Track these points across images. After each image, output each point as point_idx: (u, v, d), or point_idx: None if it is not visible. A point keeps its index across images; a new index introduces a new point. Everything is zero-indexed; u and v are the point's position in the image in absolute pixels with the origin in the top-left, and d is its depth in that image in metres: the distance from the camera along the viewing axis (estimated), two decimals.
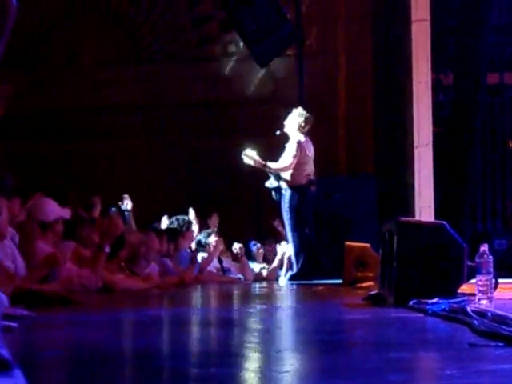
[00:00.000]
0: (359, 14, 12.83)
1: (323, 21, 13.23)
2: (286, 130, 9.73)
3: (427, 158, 9.77)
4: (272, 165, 9.66)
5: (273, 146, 9.99)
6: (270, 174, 9.72)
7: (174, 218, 10.24)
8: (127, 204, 9.92)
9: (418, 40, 9.87)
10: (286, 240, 10.04)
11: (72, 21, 13.71)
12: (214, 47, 13.55)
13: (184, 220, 10.20)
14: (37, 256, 6.43)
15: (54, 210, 7.15)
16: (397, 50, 11.19)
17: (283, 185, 9.62)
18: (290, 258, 10.07)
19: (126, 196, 9.95)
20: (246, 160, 9.65)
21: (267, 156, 9.77)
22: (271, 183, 9.73)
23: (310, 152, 9.75)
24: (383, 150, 12.03)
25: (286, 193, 9.59)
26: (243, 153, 9.65)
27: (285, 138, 9.77)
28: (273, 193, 9.77)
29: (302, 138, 9.67)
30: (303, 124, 9.70)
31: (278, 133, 9.73)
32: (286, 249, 10.32)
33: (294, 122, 9.72)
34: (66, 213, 7.50)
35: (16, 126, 12.09)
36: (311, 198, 9.75)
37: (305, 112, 9.81)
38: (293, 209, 9.53)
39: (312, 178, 9.73)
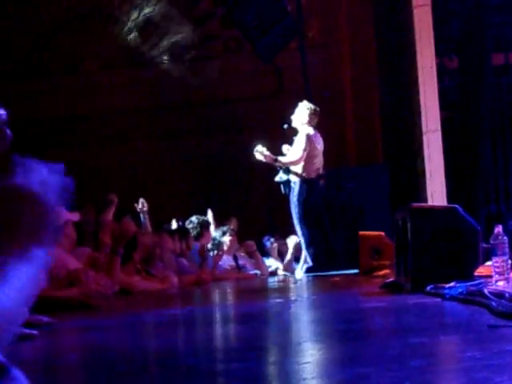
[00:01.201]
0: (360, 3, 12.82)
1: (324, 12, 13.23)
2: (294, 124, 9.72)
3: (437, 144, 9.76)
4: (282, 159, 9.66)
5: (280, 140, 9.99)
6: (278, 168, 9.72)
7: (194, 218, 10.25)
8: (143, 206, 9.95)
9: (420, 26, 9.86)
10: (295, 233, 10.05)
11: (74, 27, 13.74)
12: (216, 44, 13.56)
13: (203, 220, 10.22)
14: (52, 262, 6.45)
15: (63, 214, 7.18)
16: (400, 37, 11.16)
17: (292, 178, 9.62)
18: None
19: (142, 200, 9.97)
20: (258, 156, 9.66)
21: (275, 150, 9.77)
22: (280, 177, 9.73)
23: (319, 145, 9.75)
24: (392, 138, 12.01)
25: (295, 186, 9.59)
26: (255, 149, 9.66)
27: (293, 131, 9.76)
28: (282, 187, 9.77)
29: (310, 131, 9.66)
30: (311, 117, 9.69)
31: (285, 126, 9.73)
32: (295, 241, 10.35)
33: (302, 115, 9.71)
34: (74, 216, 7.51)
35: (19, 133, 12.11)
36: (320, 191, 9.75)
37: (311, 105, 9.80)
38: (301, 202, 9.52)
39: (321, 171, 9.73)
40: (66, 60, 13.70)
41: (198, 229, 10.08)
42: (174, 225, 10.44)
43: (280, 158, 9.65)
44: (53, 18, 13.73)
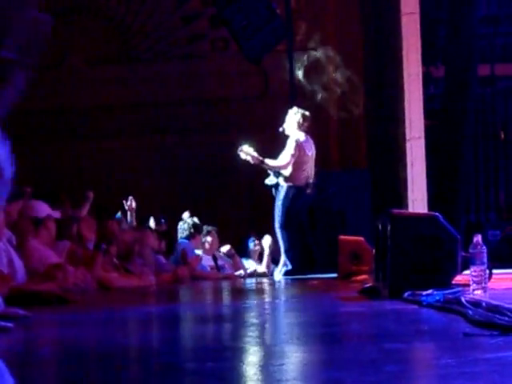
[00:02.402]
0: (348, 8, 12.84)
1: (313, 16, 13.24)
2: (286, 132, 9.67)
3: (419, 151, 9.79)
4: (269, 162, 9.61)
5: (266, 142, 9.98)
6: (269, 172, 9.69)
7: (188, 219, 10.24)
8: (131, 204, 9.93)
9: (407, 33, 9.89)
10: (274, 234, 10.05)
11: (61, 21, 13.68)
12: (204, 44, 13.55)
13: (197, 223, 10.21)
14: (32, 255, 6.44)
15: (45, 209, 7.20)
16: (387, 44, 11.19)
17: (281, 181, 9.60)
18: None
19: (131, 197, 9.95)
20: (243, 156, 9.62)
21: (261, 151, 9.75)
22: (270, 180, 9.69)
23: (310, 151, 9.69)
24: (375, 143, 12.04)
25: (282, 190, 9.56)
26: (240, 149, 9.62)
27: (284, 135, 9.71)
28: (273, 190, 9.74)
29: (301, 136, 9.60)
30: (301, 121, 9.66)
31: (281, 129, 9.67)
32: (270, 241, 10.37)
33: (292, 120, 9.68)
34: (55, 213, 7.52)
35: (4, 126, 12.07)
36: (306, 199, 9.72)
37: (301, 110, 9.77)
38: (285, 207, 9.50)
39: (311, 180, 9.69)
40: (50, 54, 13.63)
41: (191, 230, 10.07)
42: (152, 223, 10.42)
43: (267, 161, 9.61)
44: (40, 11, 13.65)
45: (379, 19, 11.75)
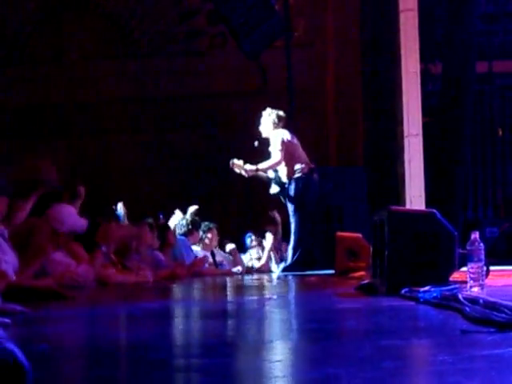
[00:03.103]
0: (347, 4, 12.83)
1: (311, 12, 13.23)
2: (263, 135, 9.65)
3: (417, 148, 9.79)
4: (263, 165, 9.57)
5: (263, 138, 9.96)
6: (269, 182, 9.65)
7: (188, 215, 10.22)
8: (121, 209, 9.88)
9: (405, 30, 9.88)
10: (272, 231, 10.04)
11: (59, 16, 13.67)
12: (202, 40, 13.54)
13: (196, 220, 10.20)
14: (56, 268, 6.44)
15: (70, 221, 7.05)
16: (385, 41, 11.20)
17: (284, 179, 9.55)
18: (282, 249, 10.09)
19: (120, 204, 9.89)
20: (237, 170, 9.62)
21: (259, 148, 9.72)
22: (274, 189, 9.66)
23: (294, 138, 9.67)
24: (373, 140, 12.05)
25: (290, 186, 9.51)
26: (231, 163, 9.60)
27: (267, 143, 9.68)
28: (281, 197, 9.70)
29: (280, 131, 9.59)
30: (276, 121, 9.63)
31: (256, 144, 9.63)
32: (270, 239, 10.37)
33: (267, 123, 9.66)
34: (82, 223, 7.34)
35: (2, 123, 12.08)
36: (315, 186, 9.65)
37: (274, 111, 9.73)
38: (297, 199, 9.44)
39: (312, 165, 9.64)
40: (49, 49, 13.63)
41: (190, 227, 10.06)
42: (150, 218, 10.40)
43: (261, 166, 9.57)
44: (38, 7, 13.65)
45: (377, 16, 11.76)
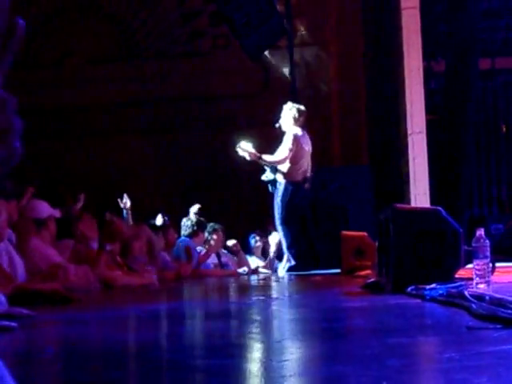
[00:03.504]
0: (349, 3, 12.83)
1: (313, 11, 13.23)
2: (282, 127, 9.65)
3: (421, 146, 9.79)
4: (267, 157, 9.60)
5: (266, 138, 9.98)
6: (266, 167, 9.67)
7: (193, 216, 10.22)
8: (126, 202, 9.92)
9: (408, 28, 9.89)
10: (276, 231, 10.05)
11: (62, 19, 13.70)
12: (204, 41, 13.55)
13: (201, 221, 10.20)
14: (34, 254, 6.44)
15: (46, 209, 7.17)
16: (387, 39, 11.19)
17: (279, 178, 9.58)
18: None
19: (125, 195, 9.94)
20: (241, 152, 9.61)
21: (261, 147, 9.74)
22: (267, 176, 9.68)
23: (307, 146, 9.68)
24: (377, 138, 12.04)
25: (280, 186, 9.55)
26: (237, 145, 9.61)
27: (282, 131, 9.70)
28: (269, 186, 9.73)
29: (298, 131, 9.59)
30: (297, 116, 9.63)
31: (277, 125, 9.65)
32: (277, 239, 10.37)
33: (288, 116, 9.64)
34: (56, 212, 7.48)
35: None
36: (304, 194, 9.71)
37: (296, 105, 9.74)
38: (284, 203, 9.48)
39: (308, 175, 9.67)
40: (53, 52, 13.65)
41: (195, 227, 10.06)
42: (159, 220, 10.41)
43: (264, 157, 9.59)
44: (41, 10, 13.67)
45: (380, 14, 11.75)
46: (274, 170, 9.59)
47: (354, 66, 12.71)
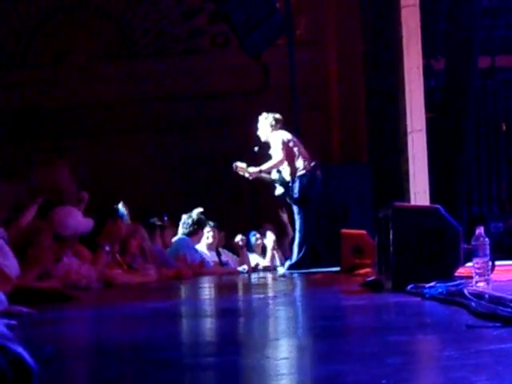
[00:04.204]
0: (348, 1, 12.82)
1: (312, 9, 13.22)
2: (262, 139, 9.68)
3: (421, 144, 9.79)
4: (266, 166, 9.60)
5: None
6: (274, 183, 9.67)
7: (194, 214, 10.21)
8: (122, 208, 9.86)
9: (407, 26, 9.88)
10: (276, 228, 10.07)
11: (61, 18, 13.69)
12: (203, 39, 13.55)
13: (202, 219, 10.19)
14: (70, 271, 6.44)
15: (72, 225, 6.98)
16: (387, 37, 11.18)
17: (288, 178, 9.56)
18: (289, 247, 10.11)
19: (120, 204, 9.86)
20: (241, 173, 9.66)
21: (261, 146, 9.73)
22: (279, 190, 9.68)
23: (291, 135, 9.69)
24: (377, 136, 12.04)
25: (294, 184, 9.52)
26: (234, 166, 9.64)
27: (266, 147, 9.69)
28: (286, 199, 9.72)
29: (279, 133, 9.61)
30: (273, 123, 9.66)
31: (256, 149, 9.66)
32: (272, 238, 10.39)
33: (265, 125, 9.69)
34: (86, 225, 7.28)
35: (5, 125, 12.10)
36: (319, 182, 9.67)
37: (270, 114, 9.76)
38: (302, 197, 9.46)
39: (313, 162, 9.65)
40: (52, 51, 13.64)
41: (195, 226, 10.05)
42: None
43: (264, 167, 9.60)
44: (40, 8, 13.66)
45: (379, 12, 11.74)
46: (282, 182, 9.57)
47: (353, 64, 12.70)
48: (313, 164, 9.59)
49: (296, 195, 9.50)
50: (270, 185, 9.73)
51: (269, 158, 9.60)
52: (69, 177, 7.32)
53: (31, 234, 6.49)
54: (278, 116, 9.73)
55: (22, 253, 6.19)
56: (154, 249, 9.00)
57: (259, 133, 9.68)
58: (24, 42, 13.61)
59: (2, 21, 13.36)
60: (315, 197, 9.61)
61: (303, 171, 9.51)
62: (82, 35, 13.55)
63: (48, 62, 13.58)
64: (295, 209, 9.57)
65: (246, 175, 9.63)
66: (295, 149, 9.56)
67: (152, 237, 9.25)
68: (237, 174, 9.70)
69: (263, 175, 9.68)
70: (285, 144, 9.50)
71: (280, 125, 9.68)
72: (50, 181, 7.16)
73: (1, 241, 5.98)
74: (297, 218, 9.58)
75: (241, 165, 9.62)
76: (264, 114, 9.75)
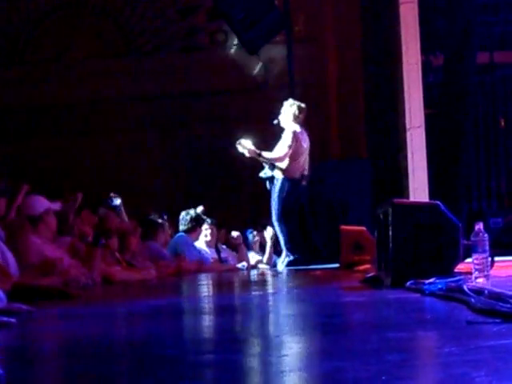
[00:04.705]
0: None
1: (311, 6, 13.22)
2: (281, 123, 9.66)
3: (420, 140, 9.79)
4: (266, 154, 9.60)
5: (265, 133, 9.97)
6: (264, 164, 9.68)
7: (192, 211, 10.20)
8: (116, 201, 9.85)
9: (406, 22, 9.88)
10: (272, 225, 10.07)
11: (60, 15, 13.67)
12: (202, 36, 13.54)
13: (200, 216, 10.19)
14: (30, 251, 6.42)
15: (42, 204, 7.07)
16: (386, 33, 11.18)
17: (276, 174, 9.59)
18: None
19: (112, 194, 9.85)
20: (240, 149, 9.63)
21: (260, 143, 9.75)
22: (265, 173, 9.69)
23: (306, 143, 9.69)
24: (376, 133, 12.04)
25: (277, 183, 9.56)
26: (237, 142, 9.63)
27: (281, 128, 9.70)
28: (267, 183, 9.74)
29: (297, 128, 9.60)
30: (297, 113, 9.64)
31: (275, 122, 9.65)
32: (271, 233, 10.39)
33: (288, 112, 9.65)
34: (55, 205, 7.39)
35: (4, 123, 12.09)
36: (301, 191, 9.73)
37: (296, 102, 9.75)
38: (282, 199, 9.50)
39: (305, 172, 9.69)
40: (50, 49, 13.62)
41: (193, 223, 10.05)
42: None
43: (264, 154, 9.60)
44: (39, 5, 13.65)
45: (378, 8, 11.73)
46: (272, 167, 9.60)
47: (352, 61, 12.70)
48: (302, 174, 9.61)
49: (275, 195, 9.53)
50: (261, 165, 9.71)
51: (276, 141, 9.58)
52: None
53: (12, 227, 6.52)
54: (302, 106, 9.69)
55: (13, 247, 6.21)
56: (150, 246, 9.00)
57: (281, 117, 9.64)
58: (23, 38, 13.59)
59: (1, 17, 13.35)
60: (292, 204, 9.60)
61: (291, 176, 9.52)
62: (80, 32, 13.54)
63: (46, 60, 13.56)
64: (273, 209, 9.58)
65: (245, 152, 9.60)
66: (299, 154, 9.55)
67: (155, 234, 9.26)
68: (236, 151, 9.65)
69: (260, 158, 9.66)
70: (294, 144, 9.50)
71: (303, 115, 9.65)
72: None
73: None
74: (274, 219, 9.60)
75: (245, 141, 9.61)
76: (290, 101, 9.73)
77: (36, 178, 10.61)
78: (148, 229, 9.20)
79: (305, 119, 9.71)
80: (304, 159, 9.67)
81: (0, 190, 6.88)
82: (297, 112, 9.62)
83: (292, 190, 9.53)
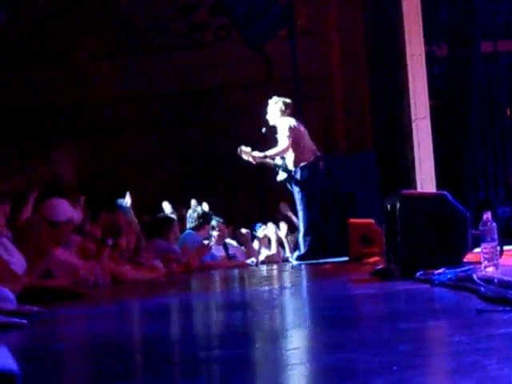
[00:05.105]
0: None
1: (313, 0, 13.20)
2: (270, 123, 9.68)
3: (426, 131, 9.77)
4: (271, 152, 9.60)
5: (270, 129, 9.96)
6: (276, 169, 9.67)
7: (199, 208, 10.21)
8: (127, 201, 9.88)
9: (409, 13, 9.85)
10: (275, 221, 10.08)
11: (63, 16, 13.68)
12: (205, 34, 13.54)
13: (207, 213, 10.20)
14: (60, 266, 6.42)
15: (65, 211, 6.97)
16: (389, 25, 11.15)
17: (290, 166, 9.56)
18: (295, 239, 10.10)
19: (128, 194, 9.90)
20: (245, 157, 9.65)
21: (264, 138, 9.73)
22: (281, 176, 9.68)
23: (301, 127, 9.71)
24: (381, 125, 12.02)
25: (296, 174, 9.53)
26: (239, 150, 9.63)
27: (274, 131, 9.70)
28: (288, 185, 9.73)
29: (287, 119, 9.61)
30: (283, 108, 9.66)
31: (264, 130, 9.66)
32: (273, 229, 10.40)
33: (274, 109, 9.68)
34: (76, 215, 7.32)
35: (7, 125, 12.11)
36: (321, 174, 9.68)
37: (280, 99, 9.75)
38: (305, 186, 9.48)
39: (318, 153, 9.67)
40: (53, 50, 13.64)
41: (200, 220, 10.05)
42: (168, 208, 10.42)
43: (268, 153, 9.59)
44: (43, 6, 13.66)
45: (380, 0, 11.71)
46: (285, 169, 9.57)
47: (355, 54, 12.68)
48: (316, 155, 9.59)
49: (298, 185, 9.51)
50: (274, 170, 9.73)
51: (275, 142, 9.59)
52: (68, 166, 7.33)
53: (28, 227, 6.51)
54: (288, 101, 9.72)
55: (25, 248, 6.20)
56: (157, 243, 9.01)
57: (268, 116, 9.67)
58: (27, 39, 13.61)
59: (5, 19, 13.36)
60: (317, 188, 9.60)
61: (306, 162, 9.51)
62: (83, 33, 13.54)
63: (51, 60, 13.58)
64: (297, 199, 9.57)
65: (250, 159, 9.63)
66: (301, 138, 9.56)
67: (167, 232, 9.26)
68: (241, 158, 9.68)
69: (267, 160, 9.68)
70: (292, 131, 9.51)
71: (289, 110, 9.67)
72: (49, 170, 7.16)
73: (4, 239, 5.99)
74: (299, 208, 9.59)
75: (245, 149, 9.63)
76: (274, 98, 9.74)
77: (36, 179, 10.65)
78: (157, 226, 9.20)
79: (308, 109, 9.71)
80: (307, 141, 9.65)
81: (4, 192, 6.87)
82: (283, 107, 9.64)
83: (313, 175, 9.49)
